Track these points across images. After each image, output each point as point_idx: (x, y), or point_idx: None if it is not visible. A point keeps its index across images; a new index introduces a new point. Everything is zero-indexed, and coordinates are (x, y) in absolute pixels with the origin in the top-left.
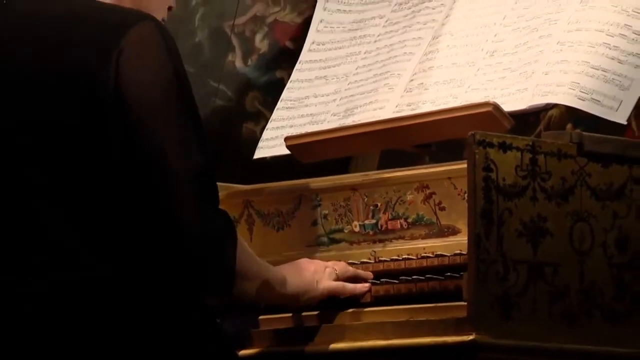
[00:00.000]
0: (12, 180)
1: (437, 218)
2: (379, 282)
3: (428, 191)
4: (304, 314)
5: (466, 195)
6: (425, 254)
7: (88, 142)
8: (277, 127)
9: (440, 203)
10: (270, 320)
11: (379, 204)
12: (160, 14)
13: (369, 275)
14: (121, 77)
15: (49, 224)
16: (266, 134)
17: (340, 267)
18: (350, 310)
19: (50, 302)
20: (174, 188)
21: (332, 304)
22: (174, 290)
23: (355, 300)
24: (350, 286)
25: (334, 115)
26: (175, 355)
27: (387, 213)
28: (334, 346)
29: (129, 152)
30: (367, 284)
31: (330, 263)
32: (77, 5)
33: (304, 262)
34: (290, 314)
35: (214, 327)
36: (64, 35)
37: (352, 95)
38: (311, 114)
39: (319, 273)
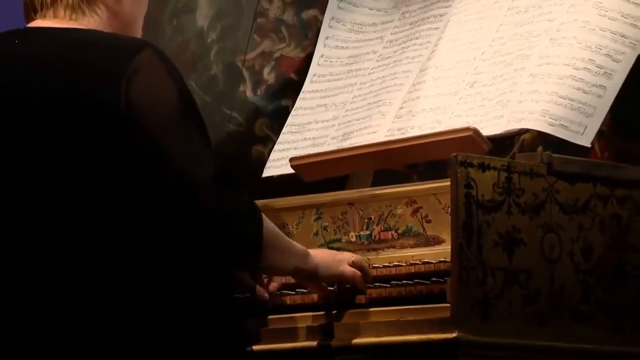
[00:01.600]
0: (29, 196)
1: (424, 229)
2: (372, 286)
3: (416, 206)
4: (306, 314)
5: (449, 209)
6: (413, 261)
7: (102, 158)
8: (283, 149)
9: (426, 216)
10: (277, 320)
11: (372, 217)
12: (141, 25)
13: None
14: (131, 99)
15: (65, 238)
16: (273, 155)
17: (357, 257)
18: (348, 311)
19: (70, 312)
20: (195, 185)
21: (331, 306)
22: (192, 294)
23: (352, 303)
24: (361, 281)
25: (333, 139)
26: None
27: (379, 225)
28: (333, 343)
29: (142, 164)
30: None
31: (347, 253)
32: (84, 37)
33: (325, 249)
34: (294, 315)
35: (230, 328)
36: (75, 65)
37: (348, 121)
38: (313, 138)
39: (339, 255)
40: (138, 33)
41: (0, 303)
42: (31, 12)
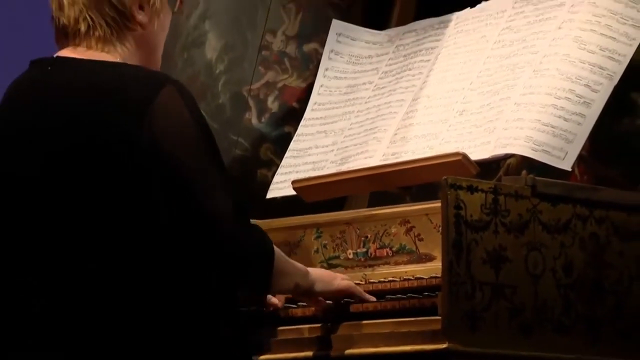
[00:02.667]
0: (52, 217)
1: (417, 247)
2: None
3: (409, 225)
4: (308, 326)
5: (440, 228)
6: (406, 277)
7: (122, 186)
8: (286, 173)
9: (419, 235)
10: (283, 331)
11: (368, 236)
12: (161, 52)
13: (371, 298)
14: (153, 134)
15: (84, 255)
16: (276, 178)
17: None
18: (346, 323)
19: (89, 321)
20: (216, 219)
21: (330, 318)
22: (203, 311)
23: (349, 315)
24: (359, 289)
25: (332, 163)
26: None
27: (375, 243)
28: (333, 353)
29: (163, 195)
30: (373, 297)
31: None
32: (113, 71)
33: (322, 269)
34: (298, 326)
35: (238, 341)
36: (102, 98)
37: (346, 147)
38: (313, 162)
39: (333, 275)
40: (159, 59)
41: (22, 310)
42: (62, 36)
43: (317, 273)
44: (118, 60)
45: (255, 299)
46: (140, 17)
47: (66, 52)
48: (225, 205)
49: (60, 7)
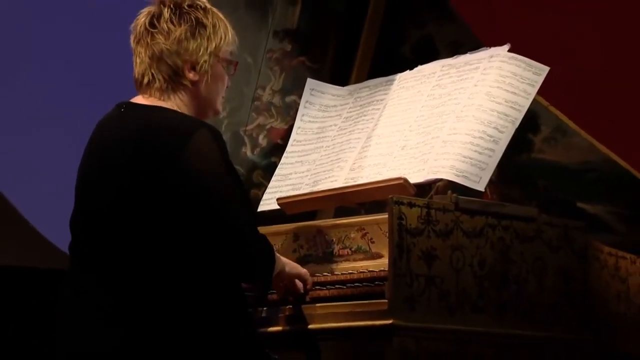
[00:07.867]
0: (114, 227)
1: (370, 248)
2: (334, 287)
3: (364, 231)
4: (287, 307)
5: (387, 234)
6: (362, 270)
7: (167, 206)
8: (272, 192)
9: (372, 239)
10: (268, 310)
11: (334, 239)
12: (218, 102)
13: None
14: (190, 164)
15: (134, 257)
16: (265, 196)
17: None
18: (314, 304)
19: (136, 309)
20: (238, 226)
21: (303, 301)
22: (222, 291)
23: (317, 298)
24: (310, 280)
25: (307, 185)
26: (219, 336)
27: (339, 245)
28: (304, 327)
29: (197, 209)
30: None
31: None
32: (162, 116)
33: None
34: (279, 307)
35: (246, 315)
36: (150, 138)
37: (317, 173)
38: (292, 184)
39: (296, 264)
40: (215, 109)
41: (88, 299)
42: (136, 85)
43: (287, 259)
44: (174, 107)
45: (258, 290)
46: (191, 75)
47: (136, 99)
48: (245, 218)
49: (135, 64)
